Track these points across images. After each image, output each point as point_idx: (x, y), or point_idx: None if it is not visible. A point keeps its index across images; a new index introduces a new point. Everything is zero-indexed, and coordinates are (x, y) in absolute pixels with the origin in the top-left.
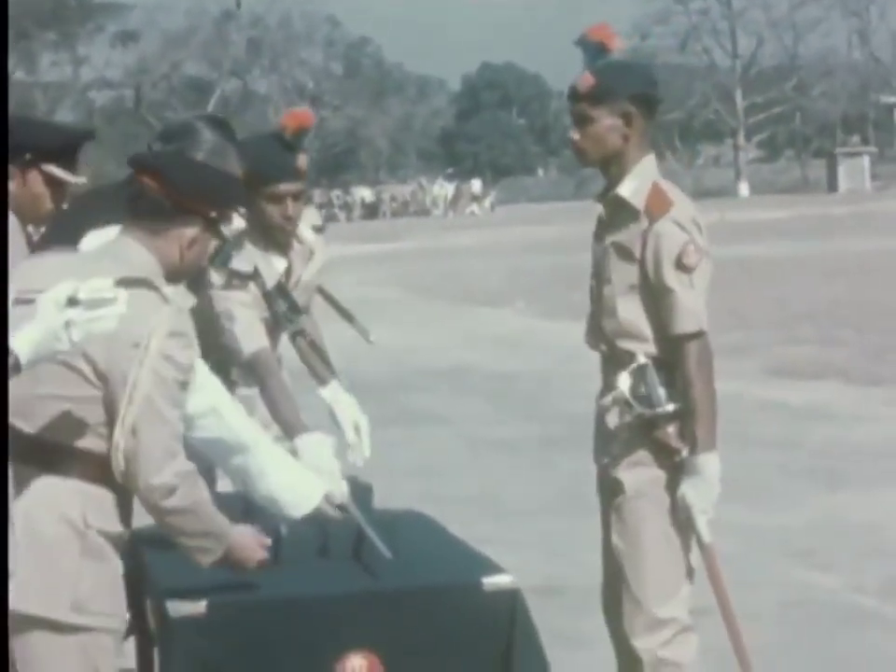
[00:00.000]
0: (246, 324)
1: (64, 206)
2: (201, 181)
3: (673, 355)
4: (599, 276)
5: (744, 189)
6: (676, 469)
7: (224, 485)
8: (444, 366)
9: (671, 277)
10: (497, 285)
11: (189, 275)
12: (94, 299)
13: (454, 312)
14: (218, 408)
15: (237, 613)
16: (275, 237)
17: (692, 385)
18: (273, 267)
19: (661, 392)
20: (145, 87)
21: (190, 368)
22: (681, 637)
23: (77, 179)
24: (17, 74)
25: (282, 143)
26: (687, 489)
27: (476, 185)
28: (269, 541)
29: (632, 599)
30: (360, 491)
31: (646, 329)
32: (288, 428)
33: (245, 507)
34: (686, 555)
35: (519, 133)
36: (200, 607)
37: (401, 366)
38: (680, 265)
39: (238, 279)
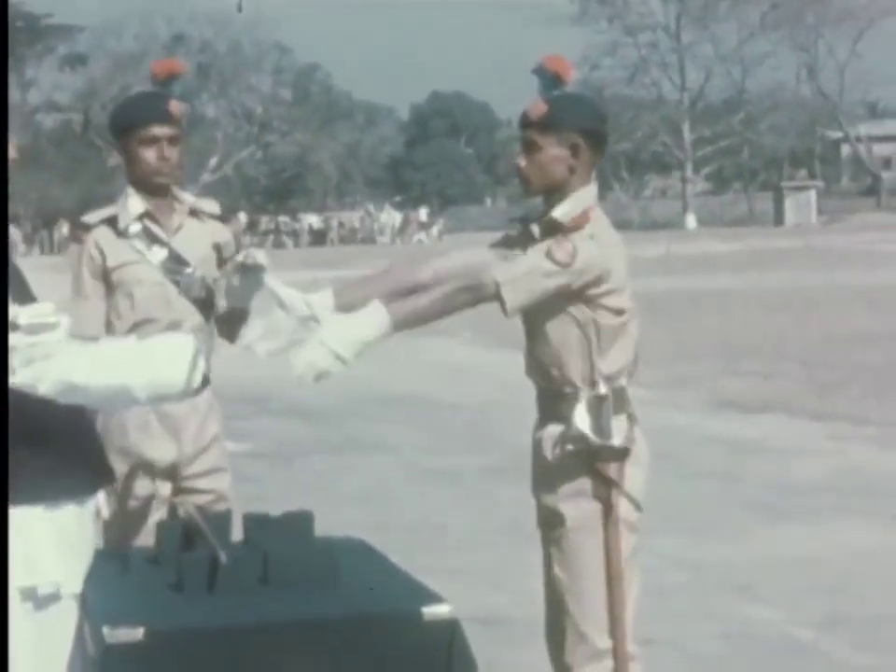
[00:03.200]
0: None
1: None
2: None
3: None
4: (531, 309)
5: (691, 221)
6: (610, 503)
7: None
8: (389, 395)
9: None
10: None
11: None
12: (35, 324)
13: (400, 341)
14: (72, 381)
15: (174, 640)
16: (152, 182)
17: None
18: (129, 209)
19: (613, 424)
20: (93, 110)
21: None
22: (625, 668)
23: None
24: None
25: (153, 90)
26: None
27: (423, 213)
28: None
29: (574, 630)
30: (300, 518)
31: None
32: None
33: (185, 535)
34: (626, 586)
35: (467, 162)
36: (137, 633)
37: (346, 394)
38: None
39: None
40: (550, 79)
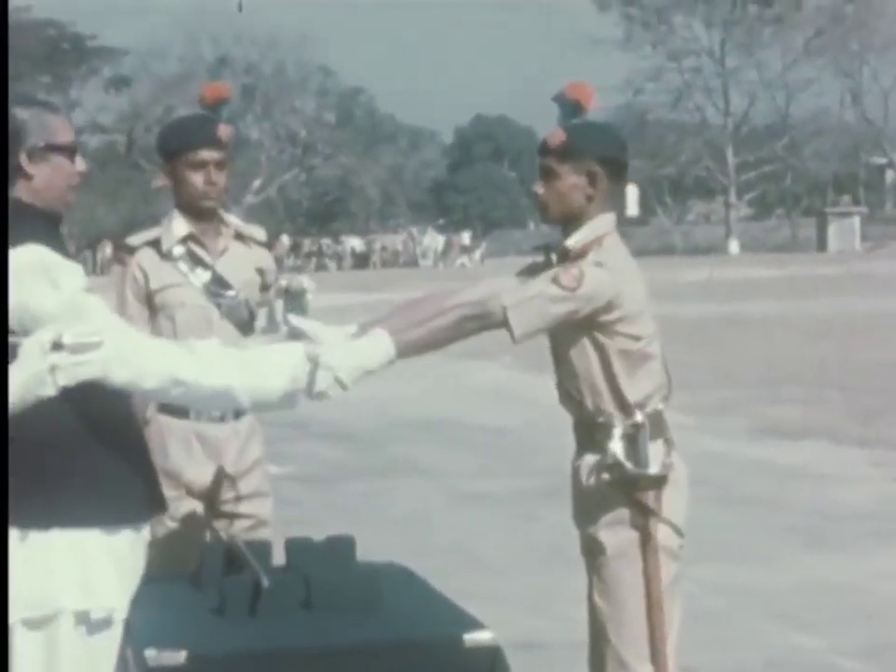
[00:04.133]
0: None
1: None
2: None
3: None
4: (554, 336)
5: (734, 246)
6: (648, 531)
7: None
8: (429, 418)
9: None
10: (484, 338)
11: None
12: (79, 343)
13: (440, 364)
14: (177, 377)
15: (217, 664)
16: (200, 205)
17: None
18: (173, 232)
19: (650, 453)
20: (137, 131)
21: None
22: None
23: None
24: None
25: (201, 113)
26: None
27: (466, 237)
28: None
29: (615, 659)
30: (342, 543)
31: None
32: None
33: (228, 556)
34: (667, 612)
35: (510, 186)
36: (179, 657)
37: (386, 417)
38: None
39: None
40: (570, 107)
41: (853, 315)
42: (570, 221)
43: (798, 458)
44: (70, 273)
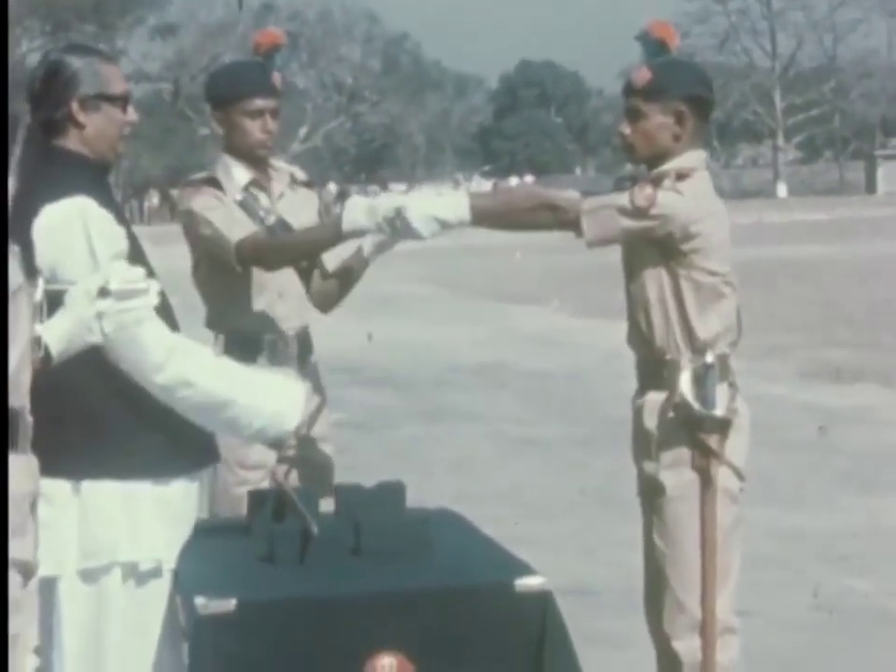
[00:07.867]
0: (223, 215)
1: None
2: None
3: None
4: (629, 263)
5: (782, 190)
6: (709, 473)
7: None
8: (478, 363)
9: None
10: (532, 283)
11: None
12: (125, 289)
13: (488, 309)
14: (189, 378)
15: (266, 611)
16: (255, 153)
17: None
18: (234, 178)
19: (717, 395)
20: (183, 80)
21: None
22: (724, 639)
23: None
24: None
25: (256, 60)
26: None
27: (513, 182)
28: None
29: (673, 600)
30: (392, 488)
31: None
32: None
33: (276, 505)
34: (727, 556)
35: (557, 132)
36: (229, 604)
37: (435, 363)
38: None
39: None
40: (654, 46)
41: None
42: (657, 161)
43: (849, 402)
44: (108, 238)
